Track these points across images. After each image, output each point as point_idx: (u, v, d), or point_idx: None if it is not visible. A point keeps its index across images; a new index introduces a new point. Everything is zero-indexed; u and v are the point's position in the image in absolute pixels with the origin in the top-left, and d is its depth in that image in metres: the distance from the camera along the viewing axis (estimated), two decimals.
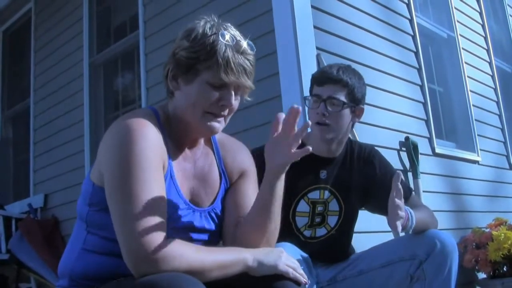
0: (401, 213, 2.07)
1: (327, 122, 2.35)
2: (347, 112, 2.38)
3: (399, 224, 2.07)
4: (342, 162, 2.49)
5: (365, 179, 2.50)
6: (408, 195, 2.47)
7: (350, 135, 2.58)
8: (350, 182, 2.48)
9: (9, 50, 6.86)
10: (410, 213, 2.20)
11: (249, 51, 1.61)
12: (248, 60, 1.60)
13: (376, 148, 2.63)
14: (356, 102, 2.41)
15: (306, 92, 3.31)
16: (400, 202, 2.08)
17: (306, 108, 2.51)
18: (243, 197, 1.74)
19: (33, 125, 5.93)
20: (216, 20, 1.64)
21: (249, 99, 1.70)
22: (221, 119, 1.64)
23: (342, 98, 2.36)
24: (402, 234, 2.33)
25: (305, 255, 2.00)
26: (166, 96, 1.72)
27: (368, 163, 2.52)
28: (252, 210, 1.68)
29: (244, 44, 1.60)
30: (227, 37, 1.58)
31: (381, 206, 2.30)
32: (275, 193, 1.63)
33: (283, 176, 1.63)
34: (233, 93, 1.61)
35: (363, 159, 2.52)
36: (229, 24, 1.65)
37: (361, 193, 2.50)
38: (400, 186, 2.10)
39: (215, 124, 1.63)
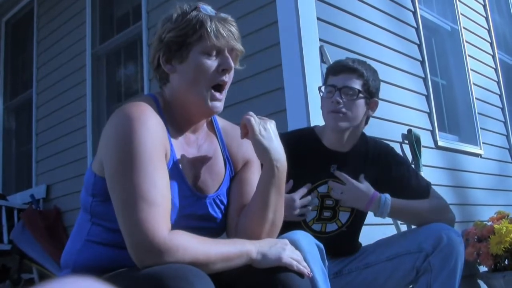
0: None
1: (342, 110, 2.34)
2: (361, 102, 2.38)
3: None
4: (356, 158, 2.47)
5: (379, 177, 2.47)
6: (427, 193, 2.49)
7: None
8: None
9: (11, 41, 6.85)
10: (385, 199, 2.31)
11: (230, 18, 1.68)
12: (232, 26, 1.67)
13: (390, 145, 2.62)
14: (370, 95, 2.41)
15: (309, 83, 3.33)
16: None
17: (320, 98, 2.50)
18: (247, 185, 1.75)
19: (35, 116, 5.93)
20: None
21: (240, 67, 1.74)
22: (222, 96, 1.68)
23: (357, 87, 2.36)
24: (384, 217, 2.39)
25: (320, 244, 2.00)
26: (159, 83, 1.73)
27: (383, 162, 2.49)
28: (252, 199, 1.69)
29: (223, 14, 1.68)
30: (208, 9, 1.65)
31: None
32: (272, 183, 1.65)
33: (280, 167, 1.65)
34: (229, 56, 1.65)
35: (378, 157, 2.50)
36: (202, 2, 1.70)
37: (374, 188, 2.44)
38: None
39: (216, 103, 1.66)
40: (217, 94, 1.65)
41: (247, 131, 1.67)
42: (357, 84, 2.36)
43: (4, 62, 6.78)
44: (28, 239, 4.87)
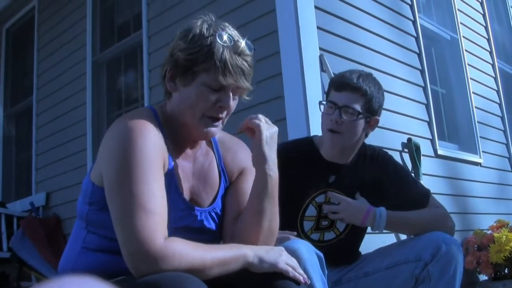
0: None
1: (339, 130, 2.32)
2: (361, 122, 2.35)
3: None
4: (354, 167, 2.46)
5: (378, 184, 2.46)
6: (426, 201, 2.48)
7: None
8: (361, 186, 2.46)
9: (12, 48, 6.87)
10: (380, 212, 2.30)
11: (247, 51, 1.60)
12: (246, 61, 1.59)
13: (389, 154, 2.60)
14: (372, 113, 2.37)
15: (309, 92, 3.33)
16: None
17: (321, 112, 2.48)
18: (242, 194, 1.74)
19: (35, 123, 5.93)
20: (213, 20, 1.64)
21: (247, 98, 1.70)
22: (219, 122, 1.65)
23: (358, 107, 2.32)
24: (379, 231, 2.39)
25: (319, 253, 2.00)
26: (164, 96, 1.72)
27: (380, 169, 2.49)
28: (246, 208, 1.69)
29: (242, 44, 1.60)
30: (225, 38, 1.57)
31: (395, 210, 2.34)
32: (266, 192, 1.64)
33: (270, 171, 1.65)
34: (231, 95, 1.61)
35: (376, 164, 2.49)
36: (226, 24, 1.64)
37: (373, 198, 2.44)
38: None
39: (212, 129, 1.64)
40: (213, 121, 1.63)
41: (249, 132, 1.66)
42: (358, 104, 2.32)
43: (5, 70, 6.79)
44: (27, 247, 4.86)
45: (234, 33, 1.62)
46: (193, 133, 1.67)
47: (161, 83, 1.70)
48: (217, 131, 1.66)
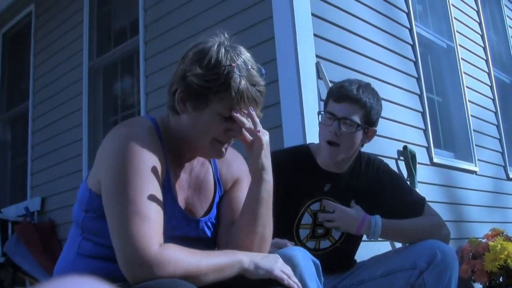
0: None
1: (338, 141, 2.32)
2: (359, 134, 2.35)
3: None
4: (349, 175, 2.46)
5: (373, 193, 2.46)
6: (421, 209, 2.48)
7: None
8: (355, 195, 2.45)
9: (8, 53, 6.86)
10: (375, 221, 2.31)
11: (261, 82, 1.62)
12: (260, 92, 1.61)
13: (384, 161, 2.60)
14: (370, 124, 2.37)
15: (305, 99, 3.33)
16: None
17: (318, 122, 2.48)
18: (236, 202, 1.75)
19: (31, 128, 5.92)
20: (228, 42, 1.63)
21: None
22: (227, 145, 1.66)
23: (357, 119, 2.31)
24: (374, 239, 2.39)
25: (316, 260, 2.00)
26: (167, 107, 1.69)
27: (376, 177, 2.48)
28: (241, 213, 1.70)
29: (256, 72, 1.61)
30: (242, 68, 1.57)
31: (390, 218, 2.34)
32: (260, 196, 1.65)
33: (267, 178, 1.65)
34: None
35: (371, 172, 2.49)
36: (242, 49, 1.64)
37: (368, 206, 2.43)
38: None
39: (221, 152, 1.65)
40: (220, 145, 1.64)
41: (245, 140, 1.66)
42: (358, 116, 2.32)
43: (1, 74, 6.79)
44: (22, 252, 4.85)
45: (247, 56, 1.62)
46: (200, 153, 1.69)
47: (167, 98, 1.68)
48: (225, 153, 1.67)
